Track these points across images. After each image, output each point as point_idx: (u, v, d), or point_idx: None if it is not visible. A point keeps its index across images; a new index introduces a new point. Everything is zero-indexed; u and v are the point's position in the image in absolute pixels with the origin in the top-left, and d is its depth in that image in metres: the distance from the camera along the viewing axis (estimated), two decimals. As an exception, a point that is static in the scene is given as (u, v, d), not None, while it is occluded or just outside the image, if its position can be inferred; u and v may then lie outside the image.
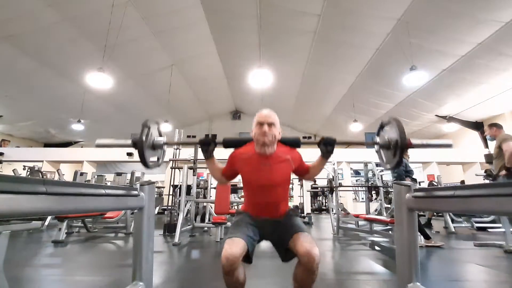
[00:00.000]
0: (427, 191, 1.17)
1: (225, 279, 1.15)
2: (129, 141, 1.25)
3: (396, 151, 1.17)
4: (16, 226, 1.49)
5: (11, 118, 10.24)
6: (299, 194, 9.52)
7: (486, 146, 9.49)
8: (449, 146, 1.32)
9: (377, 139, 1.34)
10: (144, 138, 1.22)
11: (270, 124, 1.29)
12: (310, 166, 1.43)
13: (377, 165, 6.24)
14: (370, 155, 8.88)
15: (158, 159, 1.39)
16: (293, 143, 1.41)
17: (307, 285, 1.18)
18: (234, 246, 1.14)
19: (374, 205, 6.46)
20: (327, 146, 1.32)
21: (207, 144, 1.33)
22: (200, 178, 8.22)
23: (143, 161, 1.24)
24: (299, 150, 1.43)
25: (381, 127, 1.32)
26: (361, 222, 4.72)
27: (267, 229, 1.33)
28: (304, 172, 1.44)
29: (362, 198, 10.60)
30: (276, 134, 1.31)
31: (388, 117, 1.27)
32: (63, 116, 10.58)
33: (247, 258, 1.22)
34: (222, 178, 1.44)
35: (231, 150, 1.44)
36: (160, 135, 1.41)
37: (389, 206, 5.22)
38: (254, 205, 1.38)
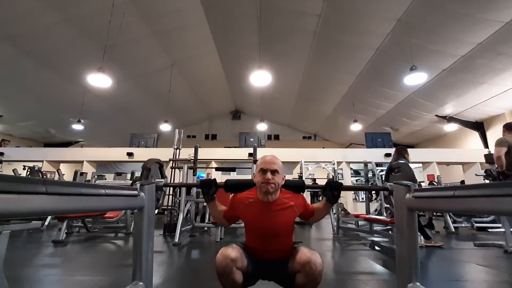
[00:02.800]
0: (427, 191, 1.17)
1: (220, 281, 1.13)
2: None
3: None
4: (16, 226, 1.49)
5: (11, 118, 10.24)
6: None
7: (486, 146, 9.49)
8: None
9: (387, 186, 1.33)
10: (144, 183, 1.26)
11: (274, 172, 1.25)
12: (315, 209, 1.38)
13: (377, 165, 6.24)
14: (370, 155, 8.88)
15: (158, 200, 1.41)
16: (297, 188, 1.38)
17: None
18: (231, 249, 1.13)
19: (374, 205, 6.45)
20: (333, 191, 1.30)
21: (208, 187, 1.31)
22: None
23: None
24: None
25: (390, 170, 1.33)
26: (361, 222, 4.71)
27: (269, 268, 1.28)
28: (309, 216, 1.39)
29: (362, 198, 10.59)
30: (279, 181, 1.26)
31: (397, 161, 1.26)
32: (63, 116, 10.58)
33: (246, 279, 1.18)
34: (224, 221, 1.40)
35: (228, 186, 1.42)
36: (162, 173, 1.42)
37: (389, 206, 5.21)
38: (255, 248, 1.31)
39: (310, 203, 1.48)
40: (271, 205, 1.27)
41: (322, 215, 1.41)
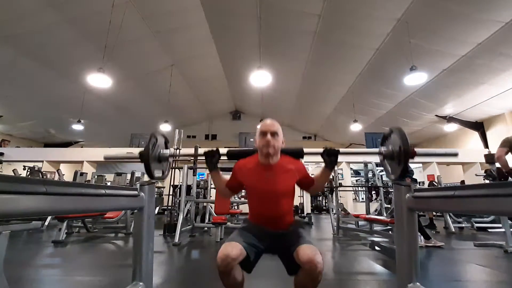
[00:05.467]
0: (427, 191, 1.17)
1: (221, 279, 1.15)
2: (136, 153, 1.27)
3: (400, 160, 1.16)
4: (16, 226, 1.49)
5: (11, 118, 10.23)
6: (299, 194, 9.52)
7: (486, 146, 9.49)
8: (454, 155, 1.30)
9: (381, 149, 1.32)
10: (150, 150, 1.24)
11: (273, 134, 1.28)
12: (315, 178, 1.40)
13: (377, 165, 6.23)
14: (370, 155, 8.86)
15: (163, 172, 1.40)
16: (297, 154, 1.40)
17: None
18: (230, 248, 1.14)
19: (374, 205, 6.46)
20: (330, 156, 1.32)
21: (211, 156, 1.33)
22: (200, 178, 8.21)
23: (149, 173, 1.27)
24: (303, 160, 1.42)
25: (384, 137, 1.32)
26: (361, 222, 4.72)
27: (273, 241, 1.31)
28: (309, 184, 1.41)
29: (362, 198, 10.59)
30: (279, 144, 1.30)
31: (390, 127, 1.27)
32: (63, 116, 10.58)
33: (247, 265, 1.19)
34: (227, 190, 1.42)
35: (230, 155, 1.43)
36: (166, 147, 1.42)
37: (389, 206, 5.22)
38: (258, 216, 1.36)
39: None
40: (272, 168, 1.30)
41: (322, 184, 1.43)
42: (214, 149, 1.36)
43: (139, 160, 1.25)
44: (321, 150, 1.32)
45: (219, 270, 1.11)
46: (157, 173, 1.33)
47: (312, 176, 1.42)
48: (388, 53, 7.04)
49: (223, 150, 1.38)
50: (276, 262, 1.31)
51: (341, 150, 1.33)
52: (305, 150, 1.43)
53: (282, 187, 1.31)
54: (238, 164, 1.39)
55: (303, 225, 1.41)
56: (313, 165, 7.70)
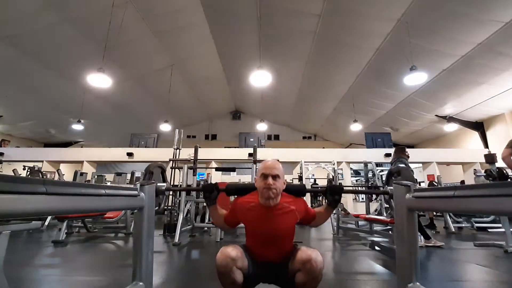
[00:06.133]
0: (427, 191, 1.17)
1: (220, 281, 1.14)
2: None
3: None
4: (16, 226, 1.49)
5: (11, 118, 10.24)
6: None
7: (486, 146, 9.49)
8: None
9: (388, 189, 1.32)
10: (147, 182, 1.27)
11: (275, 177, 1.25)
12: (317, 213, 1.39)
13: (377, 165, 6.23)
14: (370, 155, 8.88)
15: (159, 204, 1.40)
16: (298, 192, 1.38)
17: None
18: (230, 248, 1.14)
19: (374, 205, 6.45)
20: (334, 195, 1.30)
21: (210, 191, 1.33)
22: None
23: None
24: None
25: (390, 174, 1.32)
26: (361, 222, 4.72)
27: (269, 269, 1.28)
28: (310, 221, 1.39)
29: (362, 198, 10.58)
30: (280, 186, 1.27)
31: (397, 167, 1.26)
32: (63, 116, 10.58)
33: (246, 282, 1.18)
34: (225, 225, 1.40)
35: (229, 190, 1.42)
36: (163, 177, 1.41)
37: (388, 207, 5.21)
38: (256, 250, 1.32)
39: (310, 203, 1.48)
40: (272, 210, 1.27)
41: (324, 219, 1.41)
42: (213, 184, 1.36)
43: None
44: (325, 185, 1.33)
45: (218, 271, 1.11)
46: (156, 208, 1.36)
47: (314, 210, 1.40)
48: (388, 53, 7.04)
49: (220, 180, 1.38)
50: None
51: (346, 189, 1.34)
52: (308, 187, 1.43)
53: (283, 228, 1.28)
54: (237, 202, 1.36)
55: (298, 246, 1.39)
56: (313, 165, 7.69)
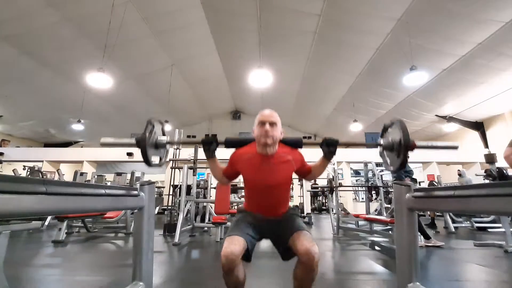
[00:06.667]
0: (427, 191, 1.17)
1: (224, 278, 1.15)
2: (133, 140, 1.27)
3: (400, 152, 1.15)
4: (16, 226, 1.49)
5: (11, 118, 10.23)
6: (299, 194, 9.52)
7: (486, 146, 9.50)
8: (455, 148, 1.30)
9: (381, 141, 1.31)
10: (147, 136, 1.24)
11: (272, 124, 1.28)
12: (312, 167, 1.41)
13: (377, 165, 6.23)
14: (370, 155, 8.87)
15: (160, 158, 1.40)
16: (295, 144, 1.40)
17: (307, 283, 1.18)
18: (233, 245, 1.14)
19: (374, 205, 6.46)
20: (329, 147, 1.31)
21: (209, 144, 1.32)
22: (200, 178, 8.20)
23: (146, 160, 1.26)
24: (301, 150, 1.42)
25: (385, 129, 1.31)
26: (361, 222, 4.72)
27: (267, 228, 1.34)
28: (306, 173, 1.43)
29: (362, 198, 10.59)
30: (277, 134, 1.29)
31: (391, 118, 1.25)
32: (63, 116, 10.58)
33: (247, 256, 1.22)
34: (223, 178, 1.43)
35: (232, 150, 1.44)
36: (164, 134, 1.41)
37: (389, 206, 5.22)
38: (254, 204, 1.39)
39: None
40: (270, 159, 1.30)
41: (319, 173, 1.43)
42: (211, 136, 1.36)
43: (137, 146, 1.24)
44: (320, 140, 1.33)
45: (224, 269, 1.12)
46: (155, 160, 1.33)
47: (310, 164, 1.43)
48: (388, 53, 7.04)
49: (220, 138, 1.39)
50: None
51: (340, 141, 1.32)
52: (304, 140, 1.42)
53: (280, 177, 1.31)
54: (235, 153, 1.39)
55: (297, 212, 1.41)
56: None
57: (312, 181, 10.56)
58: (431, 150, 10.46)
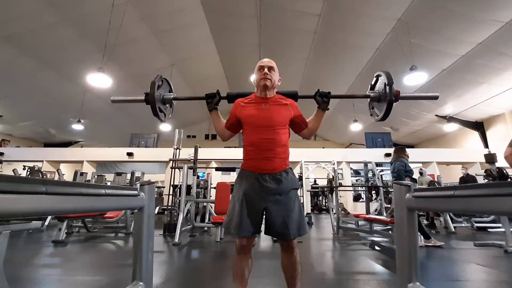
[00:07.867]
0: (427, 191, 1.17)
1: (235, 260, 1.25)
2: (142, 96, 1.42)
3: (385, 98, 1.29)
4: (16, 226, 1.49)
5: (11, 118, 10.23)
6: (299, 194, 9.50)
7: (486, 146, 9.49)
8: (435, 98, 1.45)
9: (369, 93, 1.40)
10: (156, 91, 1.39)
11: (270, 68, 1.36)
12: (308, 121, 1.45)
13: (377, 165, 6.23)
14: (370, 155, 8.88)
15: (165, 115, 1.54)
16: (291, 95, 1.47)
17: (291, 271, 1.28)
18: (245, 241, 1.24)
19: (374, 205, 6.45)
20: (323, 97, 1.39)
21: (212, 97, 1.41)
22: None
23: (155, 113, 1.42)
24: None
25: (374, 83, 1.41)
26: (361, 222, 4.72)
27: (269, 194, 1.27)
28: (303, 124, 1.42)
29: (362, 198, 10.58)
30: (275, 78, 1.38)
31: (378, 71, 1.34)
32: (63, 116, 10.58)
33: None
34: (225, 131, 1.45)
35: (230, 97, 1.50)
36: (171, 91, 1.55)
37: (389, 206, 5.22)
38: (253, 155, 1.31)
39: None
40: (268, 101, 1.36)
41: (316, 126, 1.46)
42: (215, 92, 1.44)
43: (145, 101, 1.41)
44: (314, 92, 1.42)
45: (237, 248, 1.25)
46: (161, 116, 1.49)
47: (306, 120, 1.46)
48: (388, 53, 7.04)
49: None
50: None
51: (333, 93, 1.41)
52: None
53: (278, 117, 1.34)
54: (236, 101, 1.44)
55: (297, 179, 1.37)
56: (313, 165, 7.68)
57: (312, 181, 10.56)
58: (431, 150, 10.45)
